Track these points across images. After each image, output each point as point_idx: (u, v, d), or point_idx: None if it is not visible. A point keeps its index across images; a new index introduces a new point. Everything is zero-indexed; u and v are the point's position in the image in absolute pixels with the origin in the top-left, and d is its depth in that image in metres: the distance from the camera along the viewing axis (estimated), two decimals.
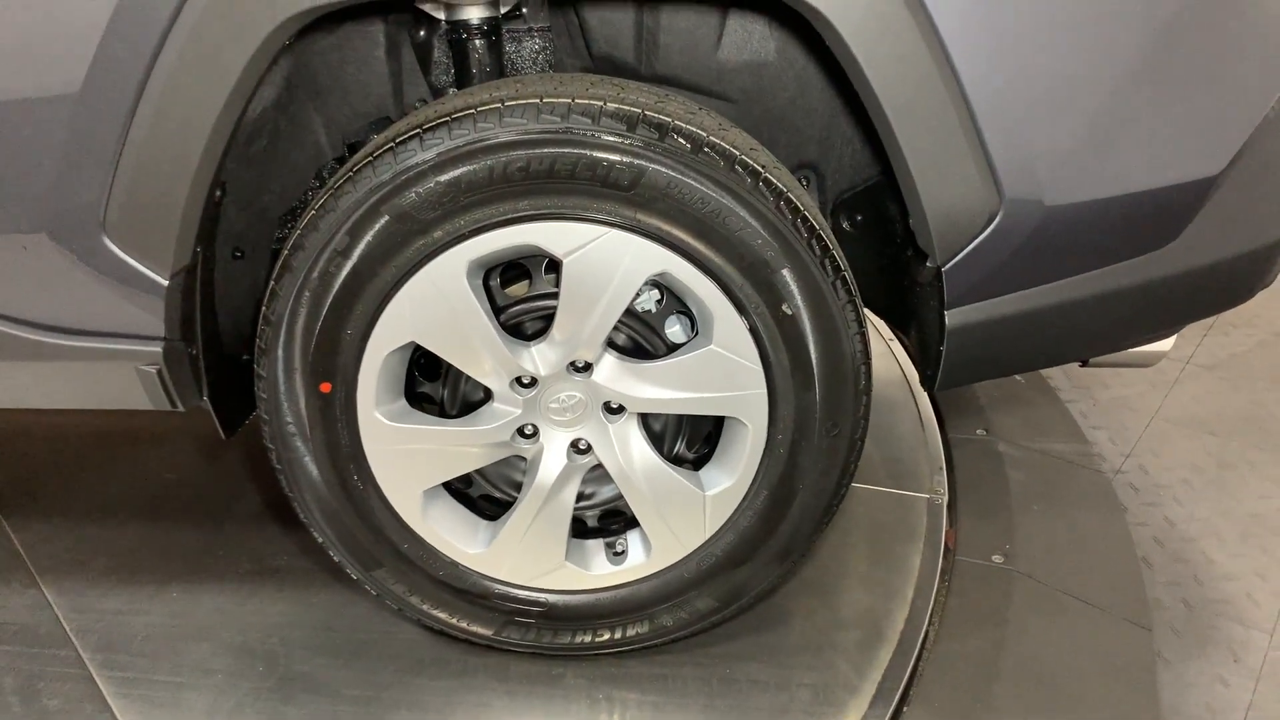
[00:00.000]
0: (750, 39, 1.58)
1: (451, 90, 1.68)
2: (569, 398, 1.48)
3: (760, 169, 1.32)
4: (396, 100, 1.64)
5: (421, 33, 1.61)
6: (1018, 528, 2.12)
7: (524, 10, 1.59)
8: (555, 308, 1.40)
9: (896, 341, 2.80)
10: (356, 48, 1.58)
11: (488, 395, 1.48)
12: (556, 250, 1.34)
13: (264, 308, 1.39)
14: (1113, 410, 2.77)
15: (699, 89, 1.64)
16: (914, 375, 2.66)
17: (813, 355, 1.40)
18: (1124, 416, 2.74)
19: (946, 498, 2.18)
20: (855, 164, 1.67)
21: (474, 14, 1.50)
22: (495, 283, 1.51)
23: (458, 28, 1.53)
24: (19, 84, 1.27)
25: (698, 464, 1.58)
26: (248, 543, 2.03)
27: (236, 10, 1.22)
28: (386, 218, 1.31)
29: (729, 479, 1.50)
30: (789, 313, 1.37)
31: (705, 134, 1.30)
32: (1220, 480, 2.44)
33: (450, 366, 1.51)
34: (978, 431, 2.46)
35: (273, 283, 1.37)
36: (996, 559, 2.01)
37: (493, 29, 1.54)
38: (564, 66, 1.69)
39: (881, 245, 1.66)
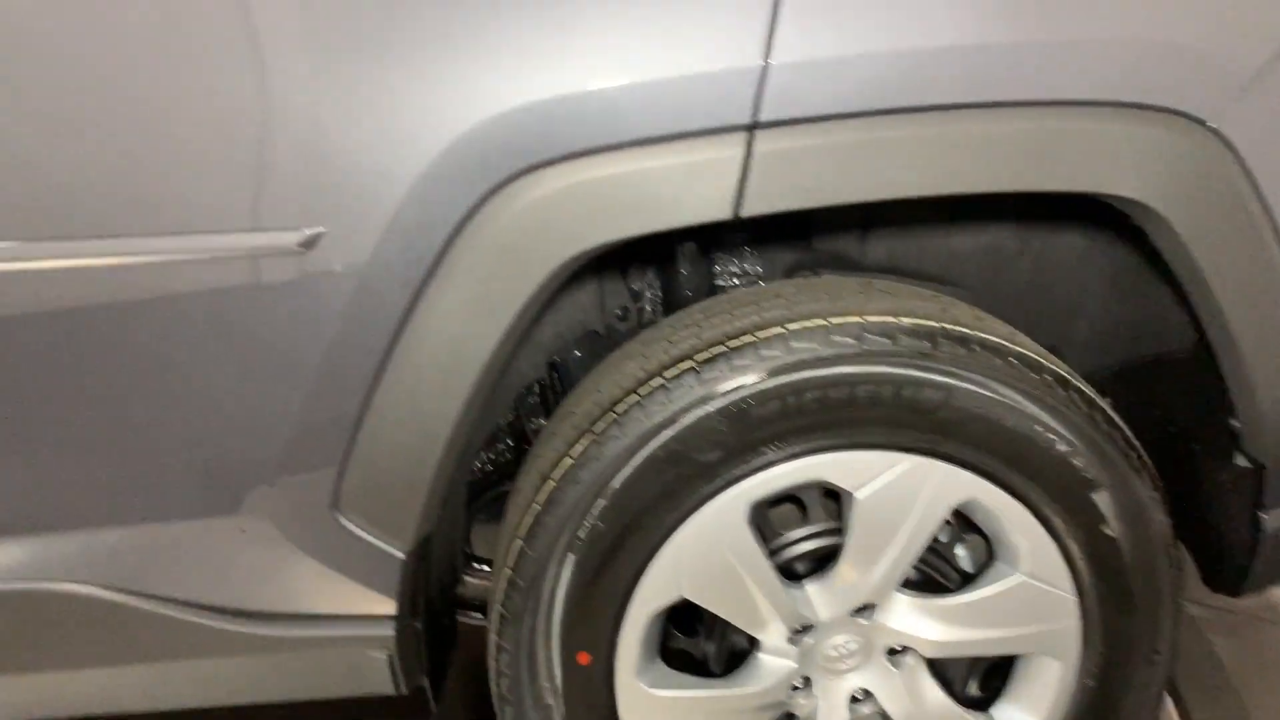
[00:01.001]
0: (985, 224, 1.47)
1: (648, 293, 1.54)
2: (848, 643, 1.29)
3: (1068, 376, 1.18)
4: (600, 311, 1.49)
5: None
6: (1251, 709, 1.93)
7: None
8: (835, 542, 1.23)
9: None
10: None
11: (751, 644, 1.29)
12: (848, 484, 1.18)
13: (509, 570, 1.20)
14: None
15: (925, 276, 1.51)
16: None
17: (1132, 578, 1.23)
18: None
19: None
20: (1099, 345, 1.53)
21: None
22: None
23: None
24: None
25: (987, 699, 1.38)
26: None
27: (520, 243, 1.06)
28: (660, 463, 1.14)
29: None
30: (1110, 534, 1.21)
31: (1005, 342, 1.16)
32: None
33: (715, 618, 1.32)
34: None
35: (522, 544, 1.19)
36: None
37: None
38: (772, 259, 1.55)
39: (1138, 433, 1.51)
